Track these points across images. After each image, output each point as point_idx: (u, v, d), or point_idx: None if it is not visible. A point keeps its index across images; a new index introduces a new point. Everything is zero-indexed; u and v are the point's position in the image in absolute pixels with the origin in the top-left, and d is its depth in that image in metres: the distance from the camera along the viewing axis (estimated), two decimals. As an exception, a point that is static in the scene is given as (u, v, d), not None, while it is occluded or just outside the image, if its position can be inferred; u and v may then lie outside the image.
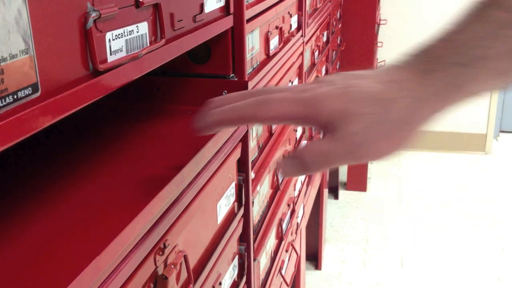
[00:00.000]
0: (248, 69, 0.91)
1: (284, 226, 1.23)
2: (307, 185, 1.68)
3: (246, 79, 0.84)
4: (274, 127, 1.12)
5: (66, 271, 0.45)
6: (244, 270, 0.90)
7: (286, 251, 1.32)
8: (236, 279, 0.87)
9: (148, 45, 0.55)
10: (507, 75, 0.48)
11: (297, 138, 1.44)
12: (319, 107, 0.47)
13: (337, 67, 2.54)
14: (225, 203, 0.78)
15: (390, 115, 0.47)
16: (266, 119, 0.49)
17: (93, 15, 0.44)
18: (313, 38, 1.70)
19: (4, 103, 0.34)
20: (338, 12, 2.54)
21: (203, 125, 0.52)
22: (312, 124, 0.50)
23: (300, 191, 1.48)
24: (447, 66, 0.47)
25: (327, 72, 2.07)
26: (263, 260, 1.06)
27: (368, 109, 0.47)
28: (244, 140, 0.84)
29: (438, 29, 0.50)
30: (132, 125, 0.81)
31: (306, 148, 0.49)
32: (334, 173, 2.95)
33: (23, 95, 0.36)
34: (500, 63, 0.47)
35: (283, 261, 1.27)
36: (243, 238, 0.90)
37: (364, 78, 0.49)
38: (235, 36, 0.83)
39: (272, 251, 1.16)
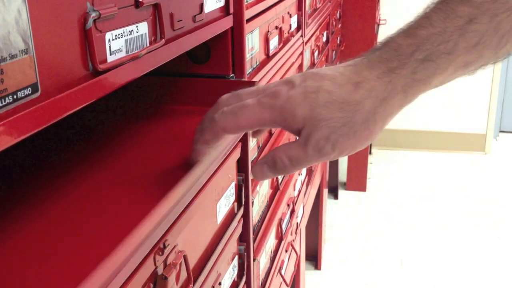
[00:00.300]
0: (248, 69, 0.91)
1: (283, 226, 1.23)
2: (307, 185, 1.68)
3: (246, 79, 0.84)
4: (274, 127, 1.12)
5: (70, 273, 0.45)
6: (243, 270, 0.90)
7: (286, 251, 1.32)
8: (235, 279, 0.87)
9: (148, 45, 0.55)
10: (472, 65, 0.49)
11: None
12: (290, 114, 0.50)
13: (337, 67, 2.54)
14: (225, 203, 0.78)
15: (355, 117, 0.48)
16: (243, 127, 0.53)
17: (93, 15, 0.44)
18: (313, 38, 1.70)
19: (3, 103, 0.34)
20: (338, 12, 2.54)
21: (196, 155, 0.59)
22: (284, 128, 0.52)
23: (299, 191, 1.48)
24: (412, 63, 0.48)
25: (327, 72, 2.07)
26: (263, 260, 1.06)
27: (335, 114, 0.48)
28: (244, 140, 0.84)
29: (404, 23, 0.51)
30: (131, 126, 0.81)
31: (277, 152, 0.52)
32: (334, 173, 2.95)
33: (22, 95, 0.36)
34: (466, 56, 0.48)
35: (282, 261, 1.27)
36: (243, 238, 0.90)
37: (328, 79, 0.50)
38: (235, 36, 0.83)
39: (272, 251, 1.16)
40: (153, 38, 0.56)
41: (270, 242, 1.12)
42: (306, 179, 1.64)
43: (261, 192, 1.04)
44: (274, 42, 1.11)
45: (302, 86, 0.50)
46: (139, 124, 0.80)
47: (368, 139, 0.50)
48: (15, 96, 0.35)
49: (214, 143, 0.56)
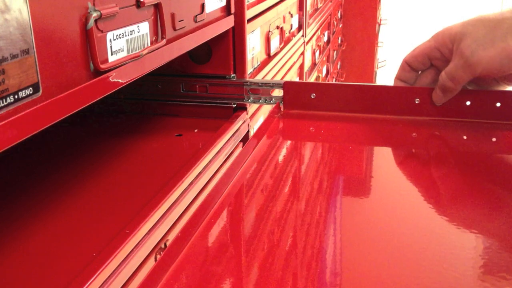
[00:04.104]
0: (249, 69, 0.91)
1: (284, 226, 1.23)
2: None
3: (247, 79, 0.84)
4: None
5: (71, 273, 0.45)
6: (244, 270, 0.90)
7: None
8: (236, 279, 0.87)
9: (149, 45, 0.55)
10: None
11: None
12: (448, 33, 0.66)
13: (338, 67, 2.54)
14: (226, 203, 0.78)
15: (496, 31, 0.61)
16: (417, 55, 0.71)
17: (94, 15, 0.44)
18: (314, 38, 1.70)
19: (5, 103, 0.34)
20: (339, 12, 2.54)
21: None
22: (442, 49, 0.68)
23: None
24: None
25: (327, 72, 2.07)
26: (264, 260, 1.06)
27: (479, 29, 0.63)
28: (245, 141, 0.84)
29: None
30: (132, 126, 0.81)
31: (441, 74, 0.68)
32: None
33: (24, 95, 0.36)
34: None
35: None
36: (244, 238, 0.90)
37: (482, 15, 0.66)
38: (236, 36, 0.83)
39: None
40: (154, 38, 0.56)
41: (271, 242, 1.12)
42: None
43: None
44: (275, 42, 1.11)
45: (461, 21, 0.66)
46: (139, 125, 0.80)
47: (504, 51, 0.61)
48: (16, 96, 0.35)
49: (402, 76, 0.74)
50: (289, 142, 0.71)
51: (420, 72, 0.73)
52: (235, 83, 0.82)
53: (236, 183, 0.55)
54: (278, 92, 0.79)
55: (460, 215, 0.49)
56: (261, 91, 0.81)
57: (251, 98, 0.81)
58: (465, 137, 0.69)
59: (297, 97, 0.77)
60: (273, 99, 0.80)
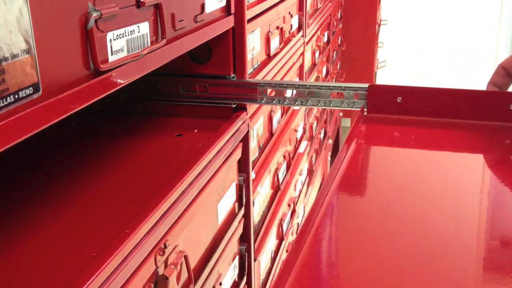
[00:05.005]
0: (249, 69, 0.91)
1: (284, 226, 1.23)
2: (308, 186, 1.68)
3: (247, 79, 0.84)
4: (274, 127, 1.12)
5: (72, 273, 0.45)
6: (244, 270, 0.90)
7: (287, 251, 1.32)
8: (236, 279, 0.87)
9: (149, 45, 0.55)
10: None
11: (298, 138, 1.44)
12: None
13: (338, 67, 2.54)
14: (226, 203, 0.78)
15: None
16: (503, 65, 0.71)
17: (94, 15, 0.44)
18: (314, 38, 1.70)
19: (5, 103, 0.34)
20: (339, 12, 2.54)
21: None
22: None
23: (300, 192, 1.48)
24: None
25: (327, 72, 2.07)
26: (264, 260, 1.06)
27: None
28: (245, 141, 0.84)
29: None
30: (132, 126, 0.81)
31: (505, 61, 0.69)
32: (335, 174, 2.95)
33: (24, 95, 0.36)
34: None
35: (283, 262, 1.27)
36: (244, 238, 0.90)
37: None
38: (236, 36, 0.83)
39: (273, 251, 1.16)
40: (154, 38, 0.56)
41: (271, 242, 1.12)
42: (307, 180, 1.64)
43: (262, 192, 1.04)
44: (275, 42, 1.11)
45: None
46: (140, 125, 0.81)
47: None
48: (16, 96, 0.35)
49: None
50: (380, 147, 0.69)
51: None
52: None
53: (334, 191, 0.54)
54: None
55: None
56: (344, 94, 0.79)
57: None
58: None
59: (382, 101, 0.74)
60: (356, 103, 0.78)
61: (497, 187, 0.57)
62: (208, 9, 0.72)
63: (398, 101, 0.73)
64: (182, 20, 0.64)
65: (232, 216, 0.82)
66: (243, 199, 0.86)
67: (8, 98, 0.34)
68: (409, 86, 0.74)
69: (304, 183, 1.57)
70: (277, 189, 1.18)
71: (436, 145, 0.67)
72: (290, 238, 1.34)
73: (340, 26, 2.62)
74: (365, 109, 0.76)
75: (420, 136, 0.70)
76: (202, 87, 0.83)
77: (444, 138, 0.69)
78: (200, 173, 0.65)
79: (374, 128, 0.72)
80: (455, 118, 0.72)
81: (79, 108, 0.43)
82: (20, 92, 0.35)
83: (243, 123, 0.83)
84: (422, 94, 0.73)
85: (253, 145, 0.95)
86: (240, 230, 0.86)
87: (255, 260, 0.95)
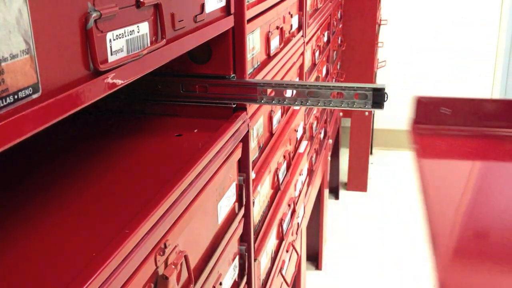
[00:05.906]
0: (249, 69, 0.91)
1: (284, 226, 1.23)
2: (308, 185, 1.68)
3: (247, 79, 0.84)
4: (274, 127, 1.12)
5: (72, 273, 0.45)
6: (244, 270, 0.90)
7: (287, 251, 1.32)
8: (236, 279, 0.87)
9: (149, 45, 0.55)
10: None
11: (298, 139, 1.44)
12: None
13: (338, 67, 2.54)
14: (226, 203, 0.78)
15: None
16: None
17: (94, 15, 0.44)
18: (314, 38, 1.70)
19: (4, 103, 0.34)
20: (339, 12, 2.54)
21: None
22: None
23: (300, 191, 1.48)
24: None
25: (327, 72, 2.07)
26: (264, 260, 1.06)
27: None
28: (245, 141, 0.84)
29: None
30: (132, 126, 0.81)
31: None
32: (335, 174, 2.95)
33: (23, 95, 0.36)
34: None
35: (283, 261, 1.27)
36: (244, 238, 0.90)
37: None
38: (236, 36, 0.83)
39: (273, 251, 1.16)
40: (154, 38, 0.56)
41: (271, 242, 1.12)
42: (307, 179, 1.64)
43: (262, 192, 1.04)
44: (275, 42, 1.11)
45: None
46: (140, 126, 0.80)
47: None
48: (16, 96, 0.35)
49: None
50: (440, 161, 0.68)
51: None
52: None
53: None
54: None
55: None
56: (344, 94, 0.78)
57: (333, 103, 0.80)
58: None
59: (430, 112, 0.72)
60: (356, 103, 0.77)
61: None
62: (208, 9, 0.72)
63: (447, 113, 0.72)
64: (182, 20, 0.64)
65: (232, 216, 0.82)
66: (243, 199, 0.86)
67: (7, 98, 0.34)
68: (458, 98, 0.72)
69: (304, 183, 1.57)
70: (277, 189, 1.18)
71: (494, 157, 0.66)
72: (290, 238, 1.34)
73: (340, 26, 2.62)
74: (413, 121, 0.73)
75: (476, 148, 0.69)
76: (202, 87, 0.83)
77: (500, 149, 0.68)
78: (200, 173, 0.65)
79: (424, 139, 0.71)
80: (507, 128, 0.70)
81: (78, 108, 0.42)
82: (19, 93, 0.35)
83: (243, 123, 0.83)
84: (471, 105, 0.72)
85: (253, 145, 0.95)
86: (240, 230, 0.86)
87: (255, 260, 0.95)
